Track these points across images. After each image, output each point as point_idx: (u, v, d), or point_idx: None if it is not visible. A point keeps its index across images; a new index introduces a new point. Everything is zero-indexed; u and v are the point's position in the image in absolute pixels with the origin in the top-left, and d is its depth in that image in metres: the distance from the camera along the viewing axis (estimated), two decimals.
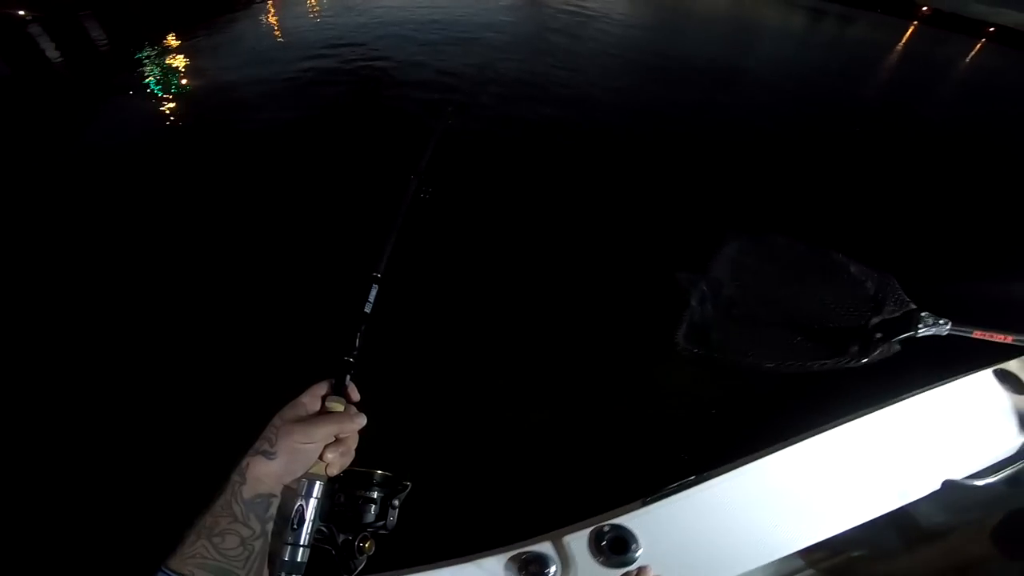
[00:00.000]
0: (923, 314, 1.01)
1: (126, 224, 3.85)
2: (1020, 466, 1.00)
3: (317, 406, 0.57)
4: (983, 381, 1.24)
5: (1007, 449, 1.10)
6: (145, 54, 8.06)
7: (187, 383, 2.62)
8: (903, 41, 36.95)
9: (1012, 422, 1.16)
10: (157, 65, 7.63)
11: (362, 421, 0.58)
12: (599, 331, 3.20)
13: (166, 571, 0.43)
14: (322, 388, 0.58)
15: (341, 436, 0.55)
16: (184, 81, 7.11)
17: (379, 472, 0.60)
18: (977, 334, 0.98)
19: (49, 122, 5.55)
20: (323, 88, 6.98)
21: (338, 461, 0.55)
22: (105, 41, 9.08)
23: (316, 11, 12.72)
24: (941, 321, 1.00)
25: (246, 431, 0.54)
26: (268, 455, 0.50)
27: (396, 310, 3.16)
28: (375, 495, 0.58)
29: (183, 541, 0.46)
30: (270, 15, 11.77)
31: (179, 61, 7.96)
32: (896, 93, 14.79)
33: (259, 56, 8.23)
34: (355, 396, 0.60)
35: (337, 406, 0.57)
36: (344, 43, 9.22)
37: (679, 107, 8.46)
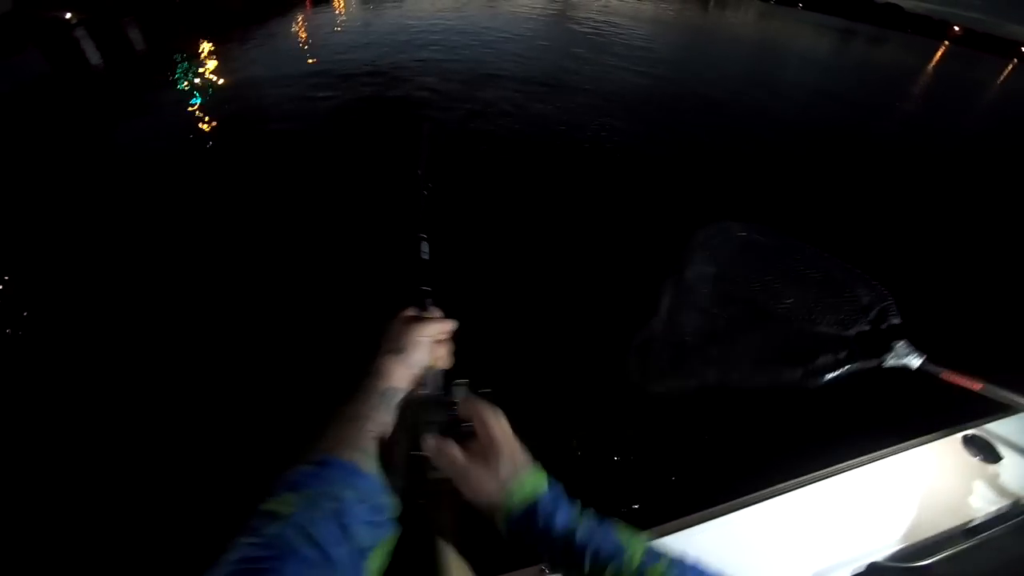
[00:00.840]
0: (899, 343, 0.98)
1: (173, 214, 4.03)
2: (960, 547, 0.88)
3: None
4: (950, 447, 1.15)
5: (957, 525, 0.98)
6: (181, 58, 8.38)
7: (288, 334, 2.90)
8: (933, 62, 36.34)
9: (970, 495, 1.05)
10: (192, 68, 7.93)
11: (455, 324, 0.67)
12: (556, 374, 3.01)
13: (321, 457, 0.49)
14: (413, 309, 0.68)
15: (441, 337, 0.65)
16: (220, 81, 7.37)
17: (460, 381, 0.66)
18: (945, 375, 0.93)
19: (89, 119, 5.81)
20: (354, 89, 7.17)
21: (445, 356, 0.66)
22: (143, 45, 9.47)
23: (343, 22, 13.04)
24: (915, 355, 0.97)
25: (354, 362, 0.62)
26: (396, 351, 0.60)
27: None
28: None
29: (325, 430, 0.52)
30: (300, 25, 12.12)
31: (213, 65, 8.25)
32: (924, 113, 14.54)
33: (296, 57, 8.50)
34: (438, 313, 0.70)
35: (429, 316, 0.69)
36: (379, 47, 9.48)
37: (706, 125, 8.46)
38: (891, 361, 0.95)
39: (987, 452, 1.13)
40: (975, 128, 13.97)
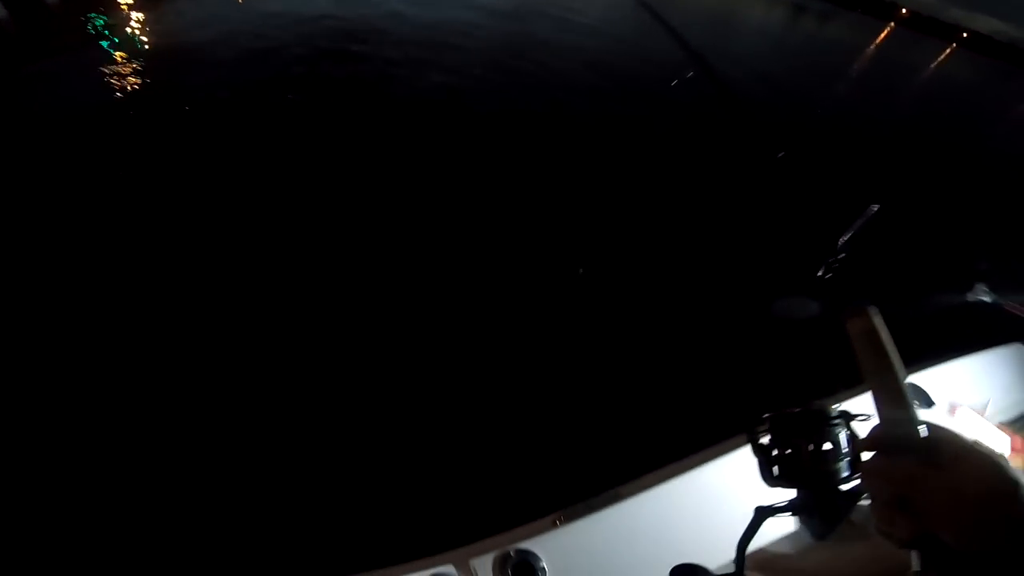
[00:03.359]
0: (980, 286, 1.30)
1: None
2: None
3: None
4: None
5: None
6: (101, 11, 7.73)
7: None
8: (878, 41, 37.84)
9: None
10: (114, 22, 7.33)
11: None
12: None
13: None
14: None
15: None
16: (145, 37, 6.88)
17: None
18: (1008, 307, 1.27)
19: None
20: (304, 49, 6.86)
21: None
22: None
23: None
24: (989, 294, 1.28)
25: None
26: None
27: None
28: None
29: None
30: None
31: (138, 19, 7.66)
32: (866, 92, 15.22)
33: (231, 9, 7.99)
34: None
35: None
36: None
37: (648, 101, 8.60)
38: (971, 297, 1.32)
39: None
40: (902, 113, 14.72)
